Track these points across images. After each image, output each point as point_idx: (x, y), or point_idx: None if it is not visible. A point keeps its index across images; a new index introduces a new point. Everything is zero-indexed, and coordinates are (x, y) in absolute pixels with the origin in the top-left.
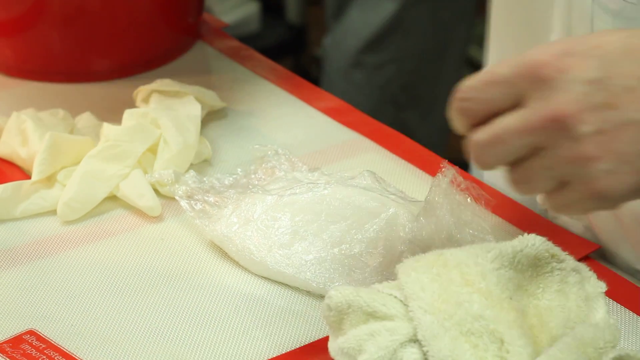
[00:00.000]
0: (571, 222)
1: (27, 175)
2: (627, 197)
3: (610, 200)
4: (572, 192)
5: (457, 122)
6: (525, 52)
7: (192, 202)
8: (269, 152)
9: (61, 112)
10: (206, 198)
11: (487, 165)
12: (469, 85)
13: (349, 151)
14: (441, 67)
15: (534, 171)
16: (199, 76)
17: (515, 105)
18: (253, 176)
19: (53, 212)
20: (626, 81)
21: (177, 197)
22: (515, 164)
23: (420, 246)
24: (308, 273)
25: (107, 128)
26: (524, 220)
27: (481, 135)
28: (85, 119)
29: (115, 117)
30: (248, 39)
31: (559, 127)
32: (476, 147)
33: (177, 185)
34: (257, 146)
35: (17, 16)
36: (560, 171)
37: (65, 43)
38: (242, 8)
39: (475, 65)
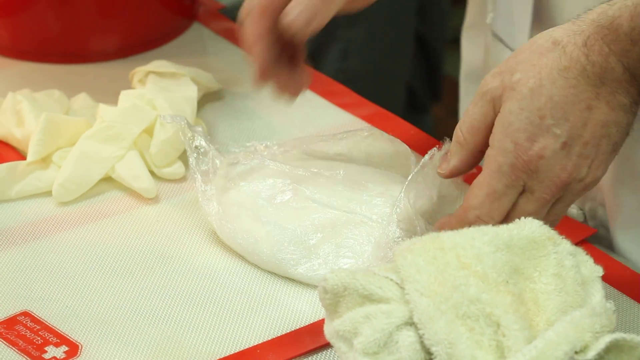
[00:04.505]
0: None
1: (22, 156)
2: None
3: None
4: (567, 200)
5: None
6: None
7: (199, 158)
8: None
9: (57, 93)
10: (215, 159)
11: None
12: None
13: None
14: None
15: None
16: (195, 57)
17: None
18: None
19: (48, 193)
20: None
21: (187, 149)
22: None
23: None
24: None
25: (103, 109)
26: None
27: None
28: (81, 100)
29: (111, 98)
30: None
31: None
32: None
33: (188, 133)
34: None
35: None
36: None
37: (61, 24)
38: None
39: None
